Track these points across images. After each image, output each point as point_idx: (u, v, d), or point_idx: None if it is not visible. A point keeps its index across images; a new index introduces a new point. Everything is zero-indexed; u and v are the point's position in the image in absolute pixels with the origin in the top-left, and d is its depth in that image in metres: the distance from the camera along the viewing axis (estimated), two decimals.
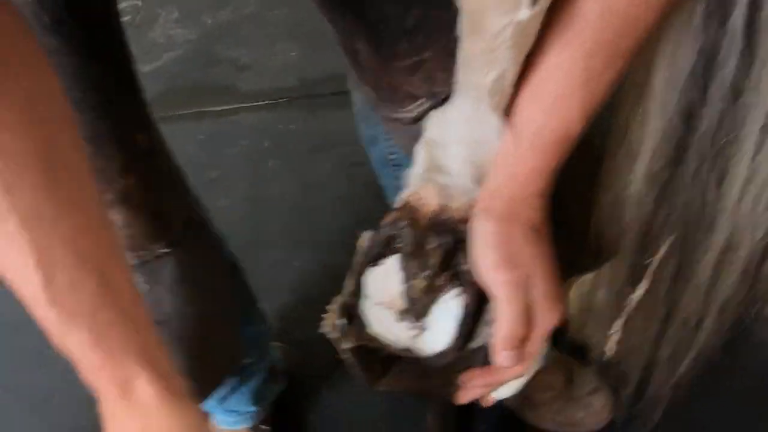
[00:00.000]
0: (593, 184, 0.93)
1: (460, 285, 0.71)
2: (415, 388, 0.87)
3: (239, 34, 2.34)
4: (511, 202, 0.68)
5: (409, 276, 0.72)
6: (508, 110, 0.68)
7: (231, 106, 2.15)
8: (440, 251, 0.71)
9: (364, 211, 1.88)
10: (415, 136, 0.81)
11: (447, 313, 0.73)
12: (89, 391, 0.61)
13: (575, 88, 0.64)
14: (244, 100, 2.16)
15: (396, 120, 0.83)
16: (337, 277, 1.73)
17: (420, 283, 0.72)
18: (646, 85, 0.78)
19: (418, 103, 0.79)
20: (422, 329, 0.74)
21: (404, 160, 1.12)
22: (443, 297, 0.72)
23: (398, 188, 1.15)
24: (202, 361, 0.96)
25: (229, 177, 1.98)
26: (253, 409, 1.36)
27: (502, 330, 0.68)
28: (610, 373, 1.35)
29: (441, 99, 0.77)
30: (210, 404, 1.28)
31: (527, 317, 0.68)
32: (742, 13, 0.64)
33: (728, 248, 0.80)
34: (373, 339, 0.75)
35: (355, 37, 0.78)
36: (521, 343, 0.70)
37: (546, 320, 0.70)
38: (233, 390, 1.25)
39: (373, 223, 1.68)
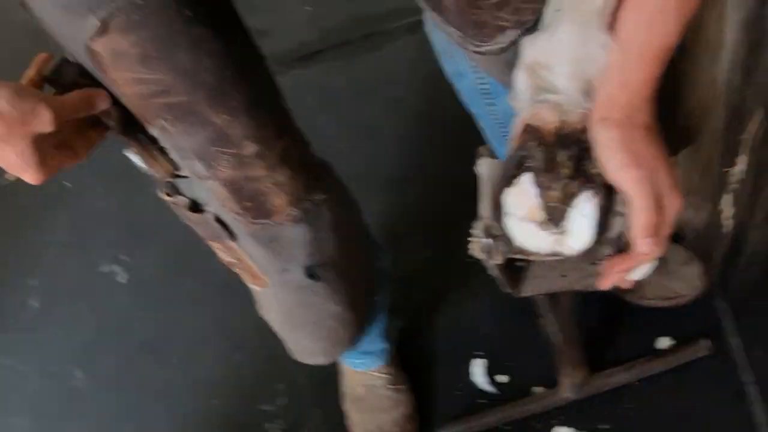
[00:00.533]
0: (673, 77, 1.00)
1: (592, 187, 0.80)
2: (555, 287, 0.97)
3: (247, 3, 2.35)
4: (627, 109, 0.76)
5: (544, 189, 0.81)
6: (611, 26, 0.75)
7: None
8: (571, 162, 0.79)
9: (423, 146, 1.95)
10: (507, 63, 0.88)
11: (583, 214, 0.81)
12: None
13: (672, 2, 0.72)
14: (273, 64, 2.15)
15: (483, 53, 0.90)
16: (413, 213, 1.82)
17: (555, 193, 0.80)
18: None
19: (506, 34, 0.86)
20: (563, 233, 0.83)
21: (495, 87, 1.19)
22: (577, 201, 0.81)
23: (488, 114, 1.24)
24: (359, 293, 1.06)
25: None
26: (384, 345, 1.45)
27: (640, 220, 0.77)
28: (701, 243, 1.43)
29: (527, 28, 0.84)
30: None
31: (658, 206, 0.77)
32: None
33: None
34: (520, 251, 0.84)
35: None
36: (656, 229, 0.78)
37: (673, 206, 0.78)
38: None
39: (436, 155, 1.74)
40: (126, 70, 0.76)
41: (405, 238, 1.80)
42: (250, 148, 0.84)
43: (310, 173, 0.93)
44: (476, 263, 0.89)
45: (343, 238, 1.00)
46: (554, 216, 0.82)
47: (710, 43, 0.92)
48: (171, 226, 1.11)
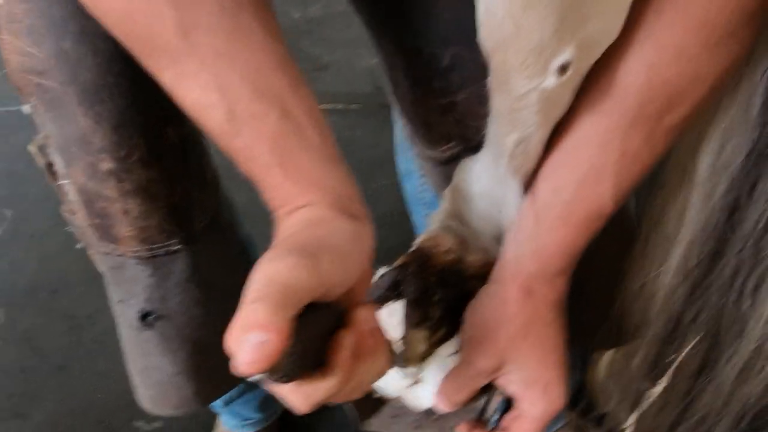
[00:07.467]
0: (622, 261, 0.89)
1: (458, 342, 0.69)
2: None
3: (325, 32, 2.30)
4: (531, 278, 0.65)
5: (410, 324, 0.70)
6: (534, 177, 0.65)
7: None
8: (442, 306, 0.69)
9: (405, 234, 1.84)
10: (447, 178, 0.78)
11: (442, 368, 0.70)
12: None
13: (609, 163, 0.61)
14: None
15: (429, 158, 0.82)
16: None
17: (420, 333, 0.69)
18: (690, 170, 0.73)
19: (450, 145, 0.77)
20: (417, 381, 0.72)
21: (434, 200, 1.09)
22: (440, 352, 0.70)
23: (424, 227, 1.14)
24: (207, 363, 0.95)
25: None
26: (258, 416, 1.34)
27: (446, 387, 0.69)
28: None
29: (473, 145, 0.75)
30: (216, 404, 1.27)
31: (472, 392, 0.69)
32: None
33: (757, 355, 0.76)
34: None
35: (396, 67, 0.76)
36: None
37: (535, 409, 0.67)
38: (239, 394, 1.24)
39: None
40: (14, 35, 0.72)
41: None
42: (105, 164, 0.76)
43: (175, 217, 0.83)
44: None
45: (198, 299, 0.89)
46: (412, 357, 0.71)
47: (667, 238, 0.80)
48: None
